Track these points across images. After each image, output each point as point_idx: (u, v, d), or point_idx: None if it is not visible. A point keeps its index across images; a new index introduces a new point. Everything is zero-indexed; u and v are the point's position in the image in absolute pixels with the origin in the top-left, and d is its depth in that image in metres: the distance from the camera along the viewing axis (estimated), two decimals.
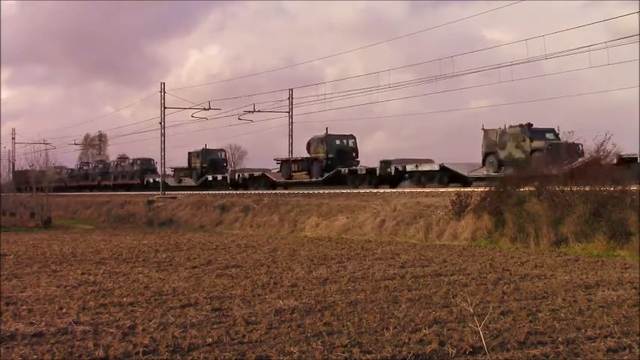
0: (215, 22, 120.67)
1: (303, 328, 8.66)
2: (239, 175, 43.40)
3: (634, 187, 19.64)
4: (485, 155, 29.61)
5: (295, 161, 39.52)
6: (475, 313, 8.58)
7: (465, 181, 29.75)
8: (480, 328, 7.78)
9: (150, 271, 14.81)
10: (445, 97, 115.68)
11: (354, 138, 38.35)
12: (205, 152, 47.97)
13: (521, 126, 28.60)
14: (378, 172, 33.29)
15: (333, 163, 36.56)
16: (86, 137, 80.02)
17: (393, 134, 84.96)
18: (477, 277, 13.24)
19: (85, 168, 63.89)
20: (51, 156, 52.67)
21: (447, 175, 30.54)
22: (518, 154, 27.80)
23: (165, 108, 44.80)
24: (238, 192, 38.96)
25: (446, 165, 30.56)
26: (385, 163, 33.14)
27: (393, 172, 32.43)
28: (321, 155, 37.11)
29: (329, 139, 37.43)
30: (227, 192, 39.62)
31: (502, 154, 28.67)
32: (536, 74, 68.59)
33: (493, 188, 22.88)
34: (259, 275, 13.84)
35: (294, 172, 39.04)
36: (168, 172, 51.46)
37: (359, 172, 35.03)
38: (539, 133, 28.37)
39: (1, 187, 51.63)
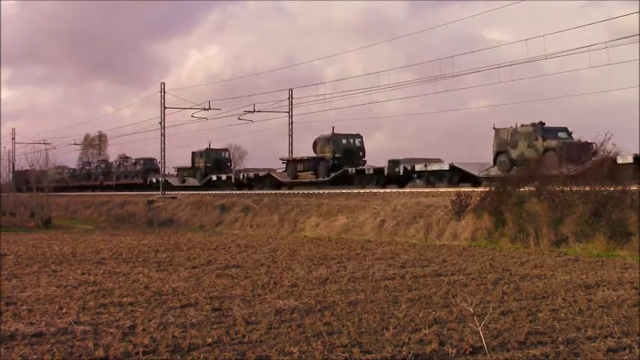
0: (215, 22, 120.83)
1: (303, 328, 8.66)
2: (244, 175, 43.00)
3: (634, 187, 19.65)
4: (497, 155, 29.07)
5: (301, 161, 39.02)
6: (475, 313, 8.58)
7: (475, 180, 29.23)
8: (479, 328, 7.78)
9: (150, 271, 14.81)
10: (445, 97, 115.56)
11: (361, 137, 37.93)
12: (209, 152, 47.61)
13: (533, 125, 28.07)
14: (386, 171, 32.86)
15: (340, 162, 36.19)
16: (86, 137, 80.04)
17: (393, 134, 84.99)
18: (477, 277, 13.24)
19: (87, 168, 63.64)
20: (51, 156, 52.69)
21: (458, 175, 30.02)
22: (530, 154, 27.30)
23: (165, 108, 44.80)
24: (238, 192, 38.90)
25: (456, 165, 30.07)
26: (393, 163, 32.70)
27: (401, 171, 32.00)
28: (328, 155, 36.72)
29: (336, 138, 37.04)
30: (227, 192, 39.53)
31: (514, 154, 28.18)
32: (536, 74, 68.45)
33: (493, 188, 22.87)
34: (259, 275, 13.84)
35: (300, 171, 38.67)
36: (172, 171, 51.43)
37: (366, 171, 34.63)
38: (552, 132, 27.80)
39: (1, 187, 51.60)
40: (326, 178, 36.60)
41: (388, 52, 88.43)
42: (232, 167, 49.82)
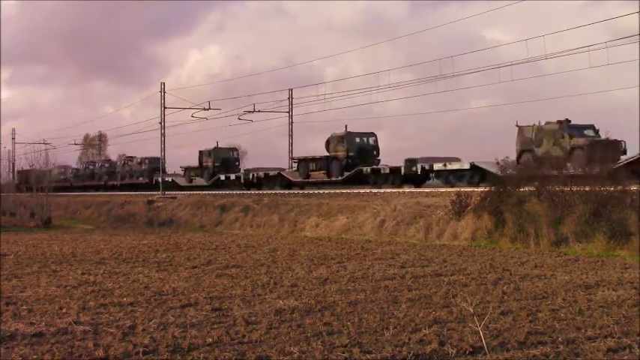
0: (215, 22, 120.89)
1: (303, 328, 8.66)
2: (253, 175, 41.86)
3: (634, 187, 19.64)
4: (520, 153, 27.73)
5: (313, 160, 37.70)
6: (475, 313, 8.57)
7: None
8: (479, 328, 7.78)
9: (150, 271, 14.81)
10: (445, 97, 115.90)
11: (375, 136, 36.93)
12: (217, 151, 46.81)
13: (559, 122, 26.96)
14: (402, 171, 31.78)
15: (354, 161, 35.24)
16: (86, 137, 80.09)
17: (393, 134, 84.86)
18: (477, 277, 13.24)
19: (90, 167, 62.99)
20: (51, 156, 52.55)
21: (478, 174, 28.61)
22: (556, 152, 26.17)
23: (165, 108, 44.85)
24: (238, 192, 38.75)
25: (476, 164, 28.65)
26: (410, 162, 31.47)
27: (418, 171, 30.85)
28: (341, 154, 35.73)
29: (349, 136, 35.99)
30: (227, 192, 39.33)
31: (539, 152, 27.00)
32: (536, 74, 68.60)
33: (493, 188, 22.86)
34: (259, 275, 13.83)
35: (312, 171, 37.60)
36: (179, 171, 50.98)
37: (382, 171, 33.55)
38: (578, 130, 26.81)
39: (1, 187, 51.57)
40: (339, 178, 35.66)
41: (388, 52, 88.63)
42: (239, 167, 48.73)
